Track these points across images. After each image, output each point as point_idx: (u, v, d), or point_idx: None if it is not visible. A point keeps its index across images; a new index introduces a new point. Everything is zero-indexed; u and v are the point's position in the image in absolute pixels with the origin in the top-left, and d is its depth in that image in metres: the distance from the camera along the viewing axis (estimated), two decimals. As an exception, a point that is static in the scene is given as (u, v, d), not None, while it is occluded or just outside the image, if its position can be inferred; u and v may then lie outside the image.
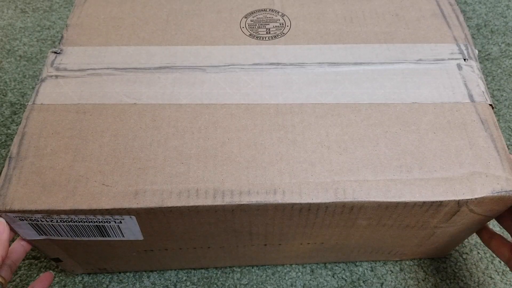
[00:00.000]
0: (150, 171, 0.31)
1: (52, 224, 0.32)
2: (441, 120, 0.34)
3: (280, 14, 0.42)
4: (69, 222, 0.31)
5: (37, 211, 0.30)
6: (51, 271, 0.38)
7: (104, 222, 0.32)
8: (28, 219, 0.31)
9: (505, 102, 0.58)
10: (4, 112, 0.57)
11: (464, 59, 0.37)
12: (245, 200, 0.30)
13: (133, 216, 0.31)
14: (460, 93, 0.35)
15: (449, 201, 0.30)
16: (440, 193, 0.31)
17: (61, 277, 0.45)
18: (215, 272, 0.45)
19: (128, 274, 0.45)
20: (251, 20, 0.41)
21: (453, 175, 0.31)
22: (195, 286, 0.44)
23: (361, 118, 0.34)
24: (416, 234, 0.37)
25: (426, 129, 0.33)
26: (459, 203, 0.31)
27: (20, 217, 0.31)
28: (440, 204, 0.31)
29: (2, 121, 0.57)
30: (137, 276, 0.45)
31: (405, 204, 0.31)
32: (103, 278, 0.45)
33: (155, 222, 0.32)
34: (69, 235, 0.33)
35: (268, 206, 0.31)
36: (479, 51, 0.63)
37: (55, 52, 0.38)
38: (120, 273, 0.45)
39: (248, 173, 0.31)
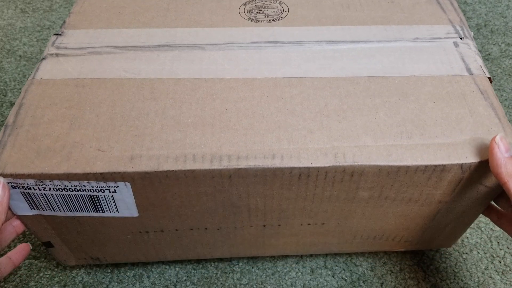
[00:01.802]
0: (146, 138, 0.31)
1: (44, 193, 0.31)
2: (440, 91, 0.34)
3: (278, 1, 0.43)
4: (62, 190, 0.31)
5: (29, 175, 0.29)
6: (28, 243, 0.37)
7: (98, 191, 0.31)
8: (21, 187, 0.30)
9: (505, 102, 0.58)
10: (4, 112, 0.58)
11: (460, 38, 0.38)
12: (243, 164, 0.30)
13: (128, 183, 0.30)
14: (458, 67, 0.35)
15: (452, 165, 0.30)
16: (442, 157, 0.30)
17: (61, 277, 0.44)
18: (215, 272, 0.44)
19: (128, 274, 0.44)
20: (250, 7, 0.42)
21: (455, 141, 0.31)
22: (195, 286, 0.43)
23: (359, 90, 0.34)
24: (420, 212, 0.35)
25: (425, 99, 0.33)
26: (462, 168, 0.30)
27: (12, 184, 0.30)
28: (443, 169, 0.30)
29: (2, 121, 0.57)
30: (137, 276, 0.44)
31: (407, 169, 0.30)
32: (103, 278, 0.44)
33: (150, 190, 0.31)
34: (61, 208, 0.33)
35: (266, 171, 0.30)
36: (479, 51, 0.64)
37: (57, 34, 0.39)
38: (120, 273, 0.44)
39: (246, 140, 0.31)
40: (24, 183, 0.30)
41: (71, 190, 0.31)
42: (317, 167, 0.30)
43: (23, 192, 0.31)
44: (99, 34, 0.39)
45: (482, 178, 0.31)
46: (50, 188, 0.31)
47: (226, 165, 0.30)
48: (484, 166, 0.30)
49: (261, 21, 0.40)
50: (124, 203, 0.32)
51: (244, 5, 0.42)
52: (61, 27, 0.40)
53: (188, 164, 0.30)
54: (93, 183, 0.30)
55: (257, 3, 0.42)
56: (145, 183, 0.31)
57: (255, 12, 0.41)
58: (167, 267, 0.45)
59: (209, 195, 0.32)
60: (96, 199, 0.32)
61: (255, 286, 0.43)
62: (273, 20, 0.40)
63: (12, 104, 0.58)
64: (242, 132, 0.31)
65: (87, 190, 0.31)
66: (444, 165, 0.30)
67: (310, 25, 0.40)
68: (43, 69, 0.36)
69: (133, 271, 0.44)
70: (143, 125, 0.32)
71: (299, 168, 0.30)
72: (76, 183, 0.30)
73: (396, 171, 0.30)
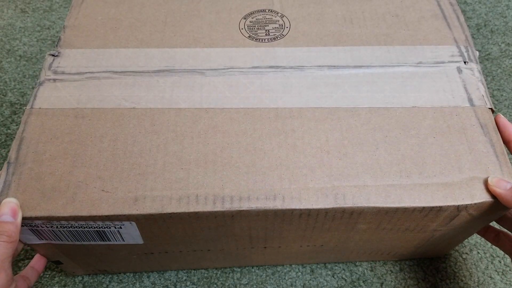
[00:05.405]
0: (149, 177, 0.31)
1: (52, 230, 0.32)
2: (441, 124, 0.34)
3: (279, 15, 0.41)
4: (69, 228, 0.32)
5: (37, 218, 0.30)
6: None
7: (104, 228, 0.32)
8: (28, 225, 0.31)
9: (505, 102, 0.58)
10: (4, 112, 0.57)
11: (464, 62, 0.37)
12: (245, 206, 0.30)
13: (133, 222, 0.31)
14: (460, 97, 0.35)
15: (449, 206, 0.30)
16: (439, 198, 0.31)
17: (61, 277, 0.45)
18: (215, 272, 0.45)
19: (128, 274, 0.45)
20: (250, 21, 0.41)
21: (453, 180, 0.31)
22: (195, 286, 0.45)
23: (360, 123, 0.34)
24: (415, 237, 0.37)
25: (426, 134, 0.33)
26: (458, 208, 0.31)
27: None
28: (439, 209, 0.31)
29: (2, 121, 0.56)
30: (137, 276, 0.45)
31: (405, 209, 0.31)
32: (103, 278, 0.45)
33: (155, 227, 0.32)
34: (69, 239, 0.34)
35: (268, 212, 0.31)
36: (479, 51, 0.63)
37: (53, 55, 0.38)
38: (120, 273, 0.45)
39: (247, 179, 0.31)
40: (31, 223, 0.31)
41: (77, 227, 0.32)
42: (317, 208, 0.30)
43: (31, 228, 0.32)
44: (96, 55, 0.38)
45: (477, 213, 0.32)
46: (57, 226, 0.31)
47: (229, 207, 0.30)
48: (479, 206, 0.31)
49: (261, 40, 0.39)
50: (130, 235, 0.33)
51: (245, 18, 0.41)
52: (56, 45, 0.39)
53: (192, 206, 0.30)
54: (99, 223, 0.31)
55: (258, 16, 0.41)
56: (149, 222, 0.31)
57: (255, 29, 0.40)
58: (167, 266, 0.45)
59: (212, 228, 0.33)
60: (102, 233, 0.33)
61: (255, 286, 0.45)
62: (274, 38, 0.39)
63: (12, 104, 0.58)
64: (244, 170, 0.32)
65: (93, 227, 0.32)
66: (440, 206, 0.31)
67: (311, 44, 0.39)
68: (41, 96, 0.36)
69: (133, 272, 0.45)
70: (145, 163, 0.32)
71: (300, 209, 0.30)
72: (82, 223, 0.31)
73: (394, 211, 0.31)
